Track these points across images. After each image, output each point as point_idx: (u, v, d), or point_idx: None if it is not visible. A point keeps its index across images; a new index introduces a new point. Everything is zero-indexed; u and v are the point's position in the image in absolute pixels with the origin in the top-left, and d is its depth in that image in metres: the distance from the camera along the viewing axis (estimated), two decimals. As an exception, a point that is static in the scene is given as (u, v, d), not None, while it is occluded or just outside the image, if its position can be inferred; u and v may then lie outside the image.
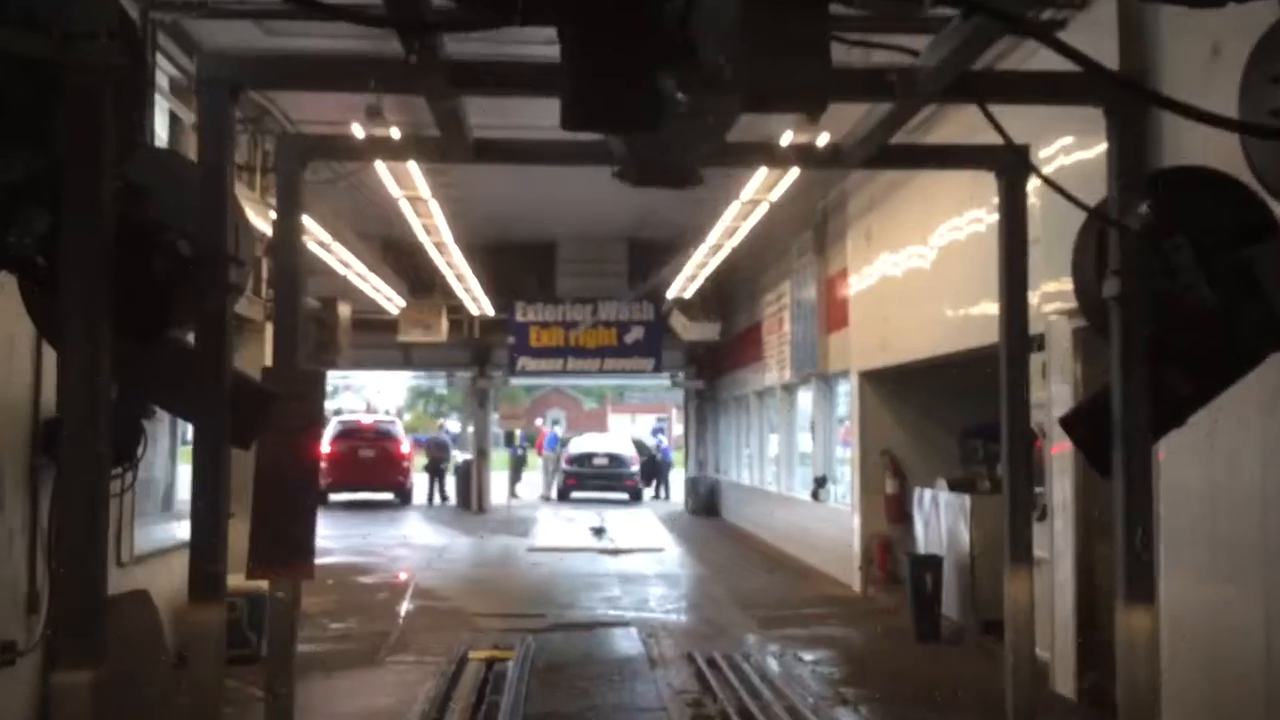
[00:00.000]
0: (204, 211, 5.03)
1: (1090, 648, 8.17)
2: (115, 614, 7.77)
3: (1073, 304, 8.31)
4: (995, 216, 10.07)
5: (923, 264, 11.95)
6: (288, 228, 6.42)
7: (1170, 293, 5.26)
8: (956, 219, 10.87)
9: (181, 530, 9.74)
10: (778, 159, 6.89)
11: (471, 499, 26.03)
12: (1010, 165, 6.59)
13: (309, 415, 6.32)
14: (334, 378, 40.49)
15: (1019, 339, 6.83)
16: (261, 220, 10.67)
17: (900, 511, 13.61)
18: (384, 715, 7.84)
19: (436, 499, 29.40)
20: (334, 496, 26.91)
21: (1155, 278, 5.24)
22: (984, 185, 10.13)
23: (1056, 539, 8.57)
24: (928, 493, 12.03)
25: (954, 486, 11.38)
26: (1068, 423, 5.70)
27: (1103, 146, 5.57)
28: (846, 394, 15.70)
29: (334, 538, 19.83)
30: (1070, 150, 8.14)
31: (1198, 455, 6.51)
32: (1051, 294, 8.45)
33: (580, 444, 33.30)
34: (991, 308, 10.19)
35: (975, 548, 10.52)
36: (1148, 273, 5.22)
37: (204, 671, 5.01)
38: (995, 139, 6.91)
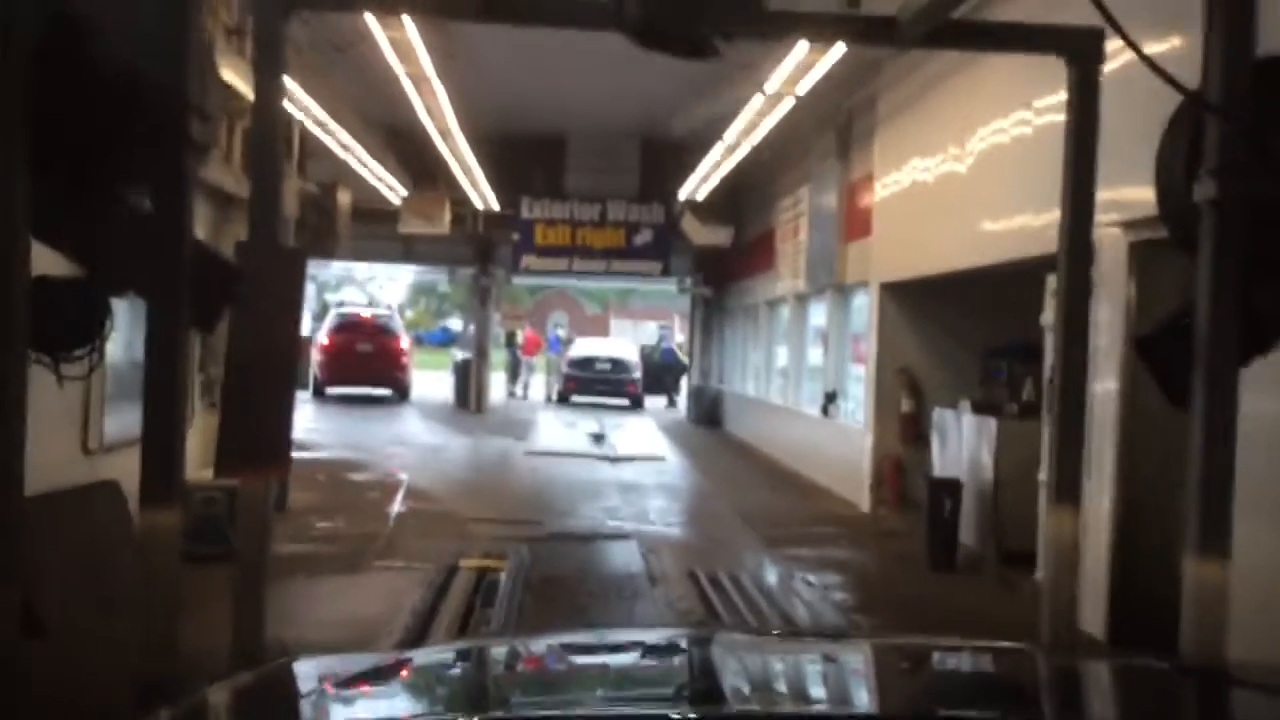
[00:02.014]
0: (162, 50, 4.30)
1: (1123, 585, 7.64)
2: (79, 506, 7.22)
3: (1129, 215, 7.63)
4: (1044, 119, 9.37)
5: (958, 170, 11.18)
6: (268, 87, 5.68)
7: (1276, 198, 4.60)
8: (1000, 121, 10.09)
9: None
10: (823, 32, 6.13)
11: (470, 399, 25.50)
12: (1084, 49, 5.82)
13: (287, 297, 5.67)
14: (336, 270, 39.90)
15: (1082, 248, 6.15)
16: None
17: (915, 432, 13.03)
18: (366, 625, 7.32)
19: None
20: (330, 391, 26.51)
21: (1259, 180, 4.57)
22: (1033, 84, 9.39)
23: (1093, 471, 7.96)
24: (948, 414, 11.43)
25: (978, 409, 10.76)
26: (1145, 344, 5.03)
27: (1189, 34, 4.85)
28: (863, 307, 15.03)
29: (327, 432, 19.37)
30: (1151, 37, 7.29)
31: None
32: (1105, 203, 7.69)
33: (583, 347, 32.69)
34: (1033, 218, 9.52)
35: (1000, 474, 9.94)
36: (1250, 174, 4.53)
37: (156, 584, 4.43)
38: (1067, 20, 6.17)
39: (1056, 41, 5.96)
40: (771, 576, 9.71)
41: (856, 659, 2.68)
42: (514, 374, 32.42)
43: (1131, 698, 2.51)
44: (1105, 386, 7.88)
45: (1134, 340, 5.17)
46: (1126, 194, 7.44)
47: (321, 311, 37.84)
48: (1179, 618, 5.39)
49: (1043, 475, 9.24)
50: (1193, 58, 5.53)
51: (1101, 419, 7.94)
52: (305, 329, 32.18)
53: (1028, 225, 9.53)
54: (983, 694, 2.46)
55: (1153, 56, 6.69)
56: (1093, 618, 7.89)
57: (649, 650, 2.68)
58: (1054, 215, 8.89)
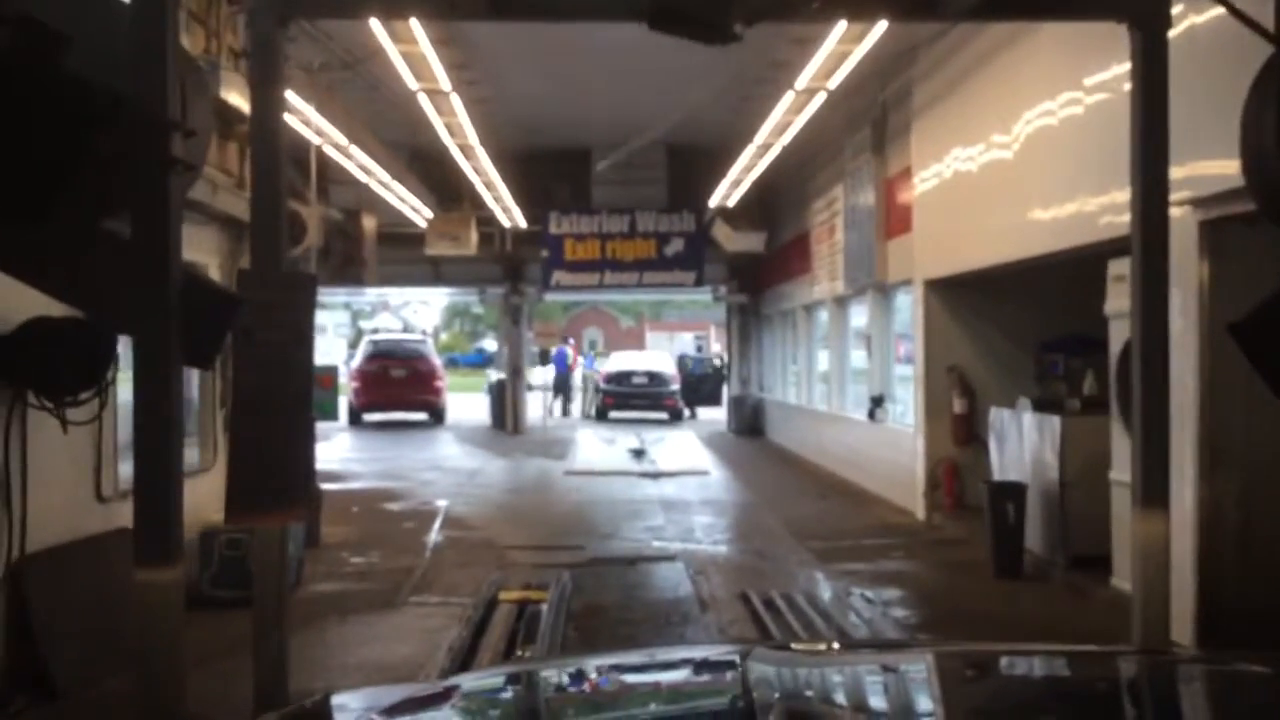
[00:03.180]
0: (139, 64, 3.91)
1: (1212, 591, 7.07)
2: (93, 557, 6.85)
3: (1198, 191, 7.09)
4: (1096, 97, 8.84)
5: (1003, 157, 10.65)
6: (266, 101, 5.29)
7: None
8: (1048, 103, 9.55)
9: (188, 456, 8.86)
10: (863, 10, 5.65)
11: (507, 420, 25.13)
12: (1149, 14, 5.32)
13: (297, 327, 5.25)
14: (370, 297, 39.89)
15: (1157, 228, 5.61)
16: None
17: (969, 433, 12.49)
18: (400, 670, 6.88)
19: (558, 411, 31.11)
20: (366, 418, 26.70)
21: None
22: (1083, 60, 8.86)
23: (1173, 470, 7.38)
24: (1005, 413, 10.87)
25: (1038, 406, 10.20)
26: (1241, 330, 4.52)
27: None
28: (906, 306, 14.51)
29: (362, 461, 19.04)
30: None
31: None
32: (1172, 180, 7.16)
33: (619, 361, 32.26)
34: (1089, 202, 8.98)
35: (1065, 475, 9.38)
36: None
37: (156, 653, 4.00)
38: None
39: (1117, 5, 5.45)
40: (827, 594, 9.19)
41: (920, 669, 2.50)
42: (560, 392, 32.30)
43: (1239, 702, 2.29)
44: (1181, 377, 7.31)
45: (1229, 326, 4.63)
46: (1194, 169, 6.92)
47: (356, 339, 37.86)
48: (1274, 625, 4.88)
49: (1114, 475, 8.71)
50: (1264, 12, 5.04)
51: (1179, 412, 7.34)
52: (339, 358, 32.21)
53: (1083, 210, 9.00)
54: (1062, 704, 2.26)
55: (1231, 29, 6.14)
56: (1179, 628, 7.31)
57: (700, 667, 2.58)
58: (1112, 198, 8.40)
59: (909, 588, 9.44)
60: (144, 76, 3.92)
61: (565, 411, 31.92)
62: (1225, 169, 6.85)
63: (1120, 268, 8.47)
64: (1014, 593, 9.19)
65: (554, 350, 32.54)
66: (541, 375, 29.13)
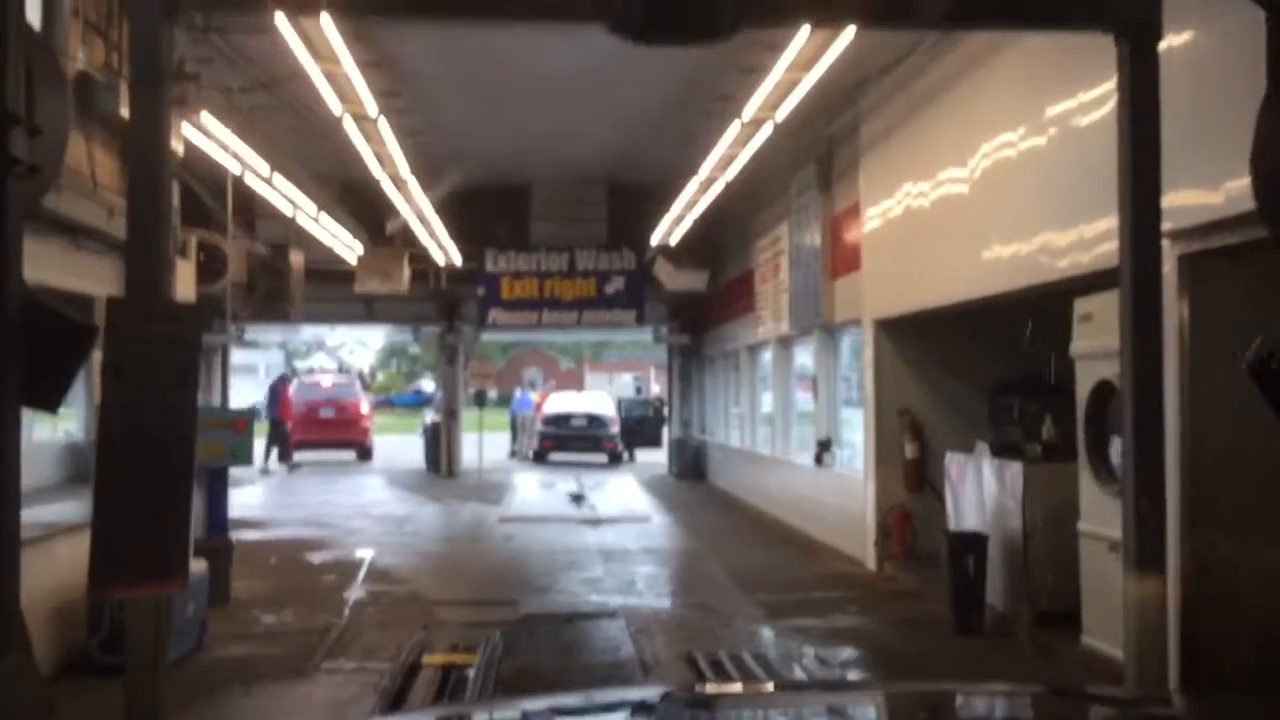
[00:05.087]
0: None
1: (1195, 652, 6.55)
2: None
3: (1178, 223, 6.62)
4: (1057, 129, 8.40)
5: (957, 192, 10.20)
6: (147, 103, 4.61)
7: None
8: (1007, 134, 9.11)
9: (69, 509, 8.02)
10: (830, 14, 5.11)
11: (441, 462, 24.28)
12: (1138, 22, 4.84)
13: (178, 365, 4.54)
14: (305, 336, 39.07)
15: (1149, 258, 5.10)
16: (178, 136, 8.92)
17: (921, 479, 11.97)
18: (306, 751, 6.12)
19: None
20: (297, 456, 26.25)
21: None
22: (1044, 89, 8.44)
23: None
24: (961, 458, 10.35)
25: (996, 451, 9.69)
26: (1258, 369, 4.00)
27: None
28: (852, 347, 14.04)
29: (285, 506, 18.14)
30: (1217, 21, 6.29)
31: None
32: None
33: (558, 403, 31.57)
34: (1049, 239, 8.53)
35: (1028, 525, 8.85)
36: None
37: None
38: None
39: (1102, 14, 4.95)
40: (778, 655, 8.55)
41: (868, 712, 2.49)
42: (516, 434, 32.20)
43: None
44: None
45: (1247, 367, 4.11)
46: (1173, 200, 6.42)
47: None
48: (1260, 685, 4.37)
49: (1083, 525, 8.20)
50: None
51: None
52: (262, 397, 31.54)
53: (1044, 246, 8.54)
54: None
55: (1231, 44, 5.62)
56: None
57: (638, 710, 2.46)
58: (1079, 232, 7.94)
59: (865, 646, 8.83)
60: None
61: (512, 453, 31.51)
62: (1208, 199, 6.41)
63: (1087, 306, 8.02)
64: (977, 652, 8.62)
65: (517, 395, 32.80)
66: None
